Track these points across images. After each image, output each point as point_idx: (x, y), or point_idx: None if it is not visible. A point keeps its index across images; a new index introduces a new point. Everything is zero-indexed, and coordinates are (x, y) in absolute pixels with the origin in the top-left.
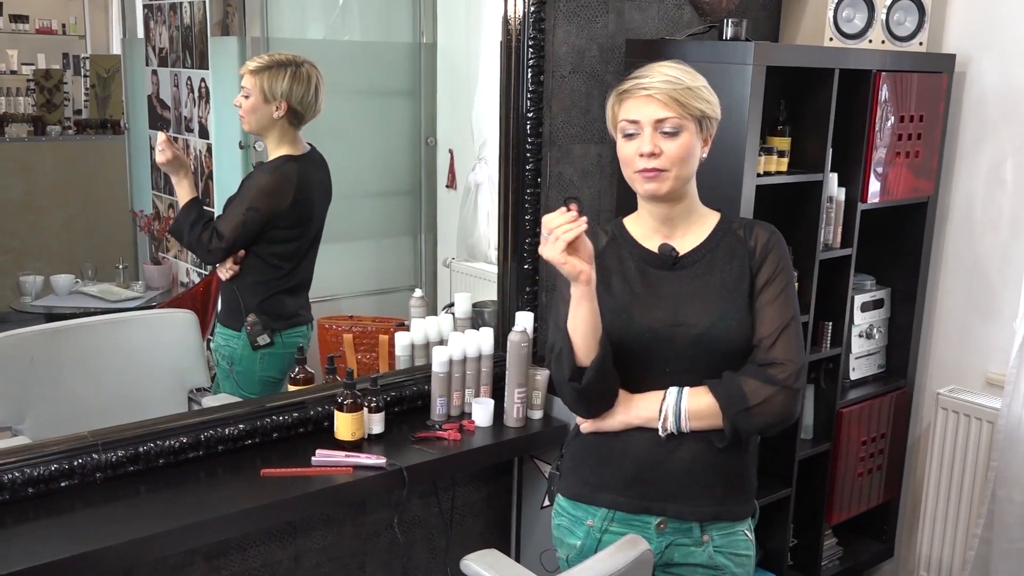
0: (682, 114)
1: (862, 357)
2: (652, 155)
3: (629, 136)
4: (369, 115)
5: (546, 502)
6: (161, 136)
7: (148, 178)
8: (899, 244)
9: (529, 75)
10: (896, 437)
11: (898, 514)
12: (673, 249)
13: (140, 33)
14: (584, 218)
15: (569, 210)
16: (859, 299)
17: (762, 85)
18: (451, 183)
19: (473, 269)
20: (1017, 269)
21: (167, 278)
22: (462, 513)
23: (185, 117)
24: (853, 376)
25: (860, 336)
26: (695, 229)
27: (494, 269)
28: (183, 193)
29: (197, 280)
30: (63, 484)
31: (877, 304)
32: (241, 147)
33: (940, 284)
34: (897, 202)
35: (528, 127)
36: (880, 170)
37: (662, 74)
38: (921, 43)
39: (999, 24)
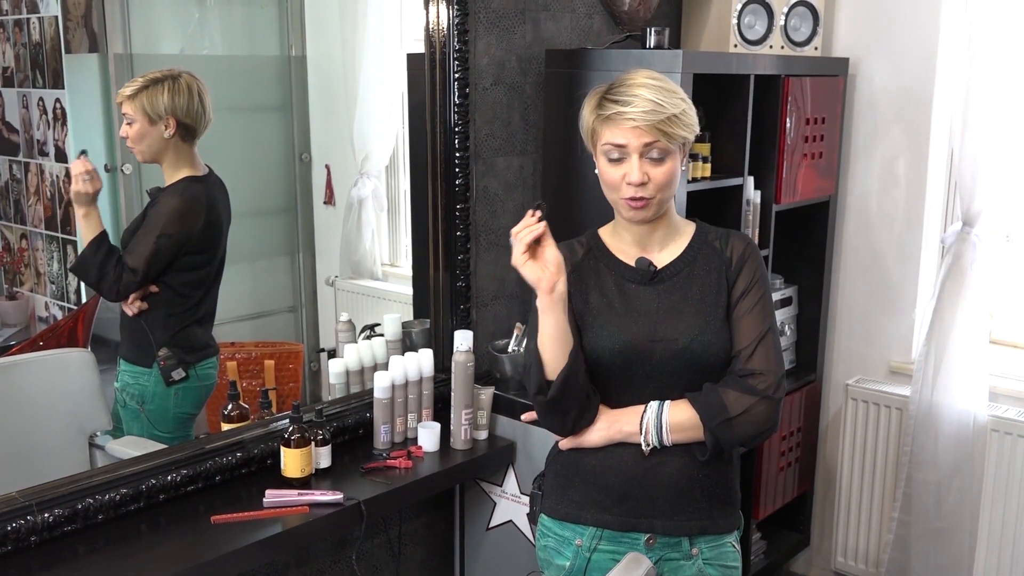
0: (667, 142)
1: None
2: (641, 184)
3: (614, 160)
4: (239, 132)
5: (491, 520)
6: (86, 163)
7: None
8: (804, 243)
9: (456, 88)
10: (808, 430)
11: (812, 504)
12: (651, 263)
13: None
14: (543, 222)
15: (533, 215)
16: None
17: (690, 93)
18: (329, 199)
19: (359, 287)
20: (913, 262)
21: (24, 314)
22: (404, 542)
23: (38, 140)
24: None
25: None
26: (672, 242)
27: (381, 286)
28: (89, 228)
29: (59, 315)
30: None
31: (786, 302)
32: (108, 170)
33: (842, 279)
34: (804, 202)
35: (456, 141)
36: (790, 172)
37: (645, 100)
38: (816, 48)
39: (885, 27)
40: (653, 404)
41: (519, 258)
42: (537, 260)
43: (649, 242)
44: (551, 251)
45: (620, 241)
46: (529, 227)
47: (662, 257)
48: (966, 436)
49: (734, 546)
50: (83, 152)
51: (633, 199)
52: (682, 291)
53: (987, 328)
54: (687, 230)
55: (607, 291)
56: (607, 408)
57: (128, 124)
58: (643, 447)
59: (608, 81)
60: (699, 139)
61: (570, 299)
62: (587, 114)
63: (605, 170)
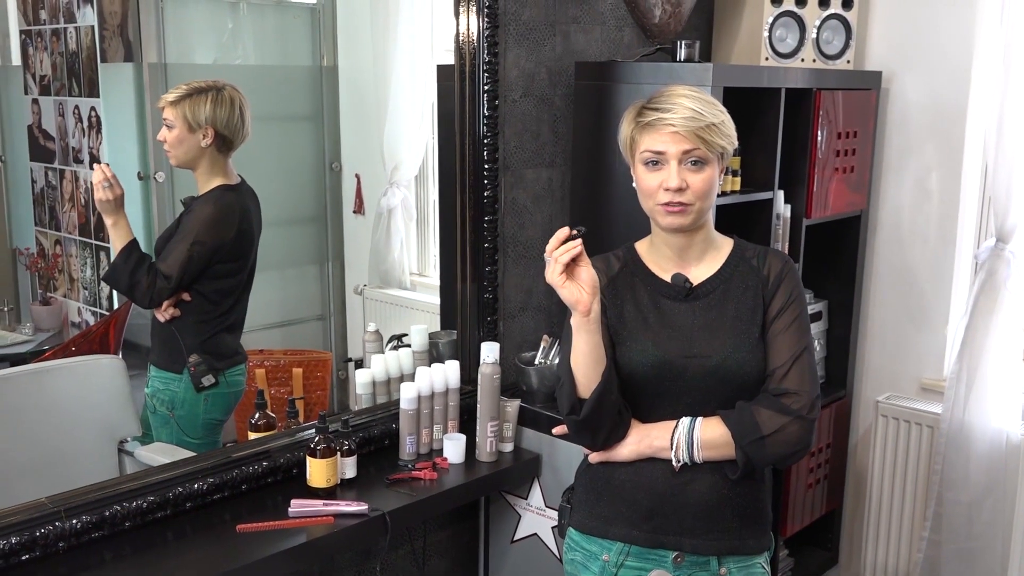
0: (707, 149)
1: None
2: (679, 189)
3: (652, 165)
4: (270, 141)
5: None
6: (104, 171)
7: (30, 213)
8: (834, 257)
9: (485, 100)
10: (837, 446)
11: (841, 521)
12: (687, 279)
13: (16, 60)
14: (579, 240)
15: (572, 235)
16: None
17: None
18: (358, 208)
19: (387, 296)
20: (946, 277)
21: (57, 319)
22: (428, 553)
23: (73, 148)
24: None
25: None
26: (709, 258)
27: (409, 295)
28: (119, 236)
29: (91, 320)
30: (24, 558)
31: (816, 317)
32: (140, 178)
33: (873, 295)
34: (835, 217)
35: (485, 152)
36: (820, 186)
37: (686, 108)
38: (848, 61)
39: (919, 41)
40: (685, 420)
41: (557, 278)
42: (573, 280)
43: (686, 256)
44: (586, 271)
45: (657, 255)
46: (567, 247)
47: (698, 273)
48: (998, 455)
49: (764, 567)
50: (100, 162)
51: (670, 205)
52: (718, 308)
53: (1020, 346)
54: (725, 246)
55: (642, 306)
56: (638, 423)
57: (167, 128)
58: (673, 463)
59: (644, 95)
60: None
61: (604, 313)
62: (626, 126)
63: (642, 177)
